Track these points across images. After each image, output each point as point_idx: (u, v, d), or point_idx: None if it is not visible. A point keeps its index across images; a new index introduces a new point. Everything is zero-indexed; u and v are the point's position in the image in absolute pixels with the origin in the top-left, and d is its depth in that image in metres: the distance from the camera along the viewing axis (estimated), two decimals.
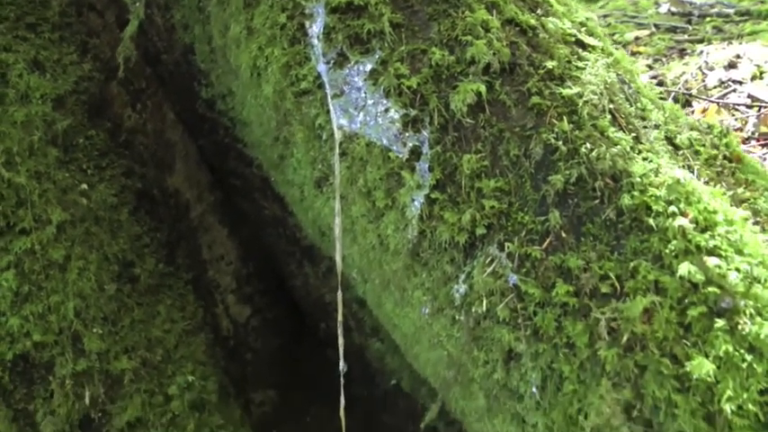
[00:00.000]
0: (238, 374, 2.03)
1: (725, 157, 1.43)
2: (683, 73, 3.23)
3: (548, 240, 1.16)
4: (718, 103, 2.91)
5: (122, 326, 1.61)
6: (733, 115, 2.89)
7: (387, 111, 1.29)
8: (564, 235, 1.15)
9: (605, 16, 4.79)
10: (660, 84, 3.09)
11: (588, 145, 1.19)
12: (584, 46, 1.43)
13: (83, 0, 1.69)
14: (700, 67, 3.26)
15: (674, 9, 4.76)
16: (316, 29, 1.36)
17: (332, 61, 1.34)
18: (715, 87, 3.11)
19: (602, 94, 1.29)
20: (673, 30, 4.22)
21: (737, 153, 1.45)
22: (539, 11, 1.43)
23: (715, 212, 1.12)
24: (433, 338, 1.34)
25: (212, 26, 1.55)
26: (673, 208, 1.11)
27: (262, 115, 1.52)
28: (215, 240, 1.97)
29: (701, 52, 3.46)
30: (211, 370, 1.75)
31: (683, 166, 1.35)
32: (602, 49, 1.47)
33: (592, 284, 1.11)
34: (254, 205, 1.91)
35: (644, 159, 1.20)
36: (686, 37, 4.02)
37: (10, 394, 1.50)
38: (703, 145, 1.43)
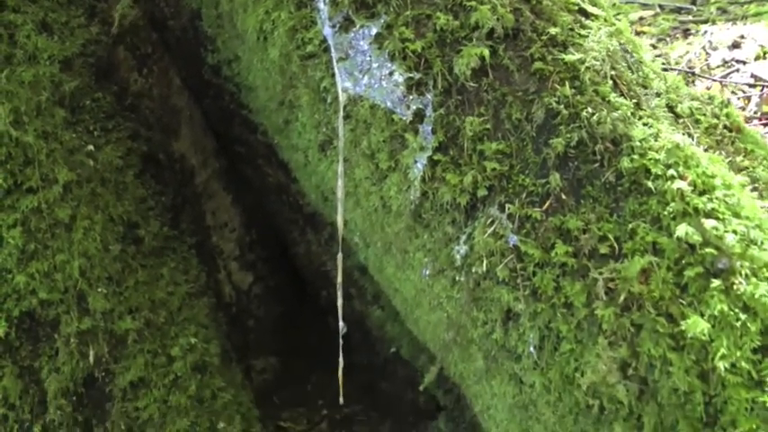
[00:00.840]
0: (240, 341, 2.05)
1: (725, 127, 1.44)
2: (687, 52, 3.23)
3: (548, 202, 1.18)
4: (721, 82, 2.91)
5: (126, 286, 1.62)
6: (735, 94, 2.90)
7: (391, 74, 1.30)
8: (564, 197, 1.17)
9: None
10: (663, 64, 3.09)
11: (589, 109, 1.21)
12: (587, 14, 1.44)
13: None
14: (703, 47, 3.26)
15: None
16: None
17: (338, 25, 1.36)
18: (718, 67, 3.12)
19: (603, 60, 1.30)
20: (677, 10, 4.21)
21: (737, 123, 1.47)
22: None
23: (713, 176, 1.14)
24: (433, 300, 1.36)
25: None
26: (672, 171, 1.12)
27: (267, 79, 1.53)
28: (219, 207, 1.99)
29: (705, 32, 3.46)
30: (214, 333, 1.77)
31: (684, 134, 1.36)
32: (605, 19, 1.48)
33: (591, 245, 1.13)
34: (258, 172, 1.93)
35: (644, 125, 1.22)
36: (691, 18, 4.01)
37: (16, 351, 1.52)
38: (704, 114, 1.44)
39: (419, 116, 1.28)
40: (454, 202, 1.24)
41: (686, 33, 3.60)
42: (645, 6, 4.35)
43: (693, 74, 2.90)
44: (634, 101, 1.27)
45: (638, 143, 1.16)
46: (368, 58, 1.32)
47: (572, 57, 1.27)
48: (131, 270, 1.64)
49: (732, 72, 3.02)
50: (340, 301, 1.46)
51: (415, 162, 1.27)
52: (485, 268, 1.20)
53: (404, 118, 1.29)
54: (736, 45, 3.23)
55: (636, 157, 1.15)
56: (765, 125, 2.72)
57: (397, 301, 1.60)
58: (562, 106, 1.22)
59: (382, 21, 1.33)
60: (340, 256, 1.45)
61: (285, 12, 1.41)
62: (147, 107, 1.76)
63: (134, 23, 1.73)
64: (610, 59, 1.32)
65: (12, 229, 1.51)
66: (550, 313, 1.15)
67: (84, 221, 1.56)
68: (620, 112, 1.21)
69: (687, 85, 3.00)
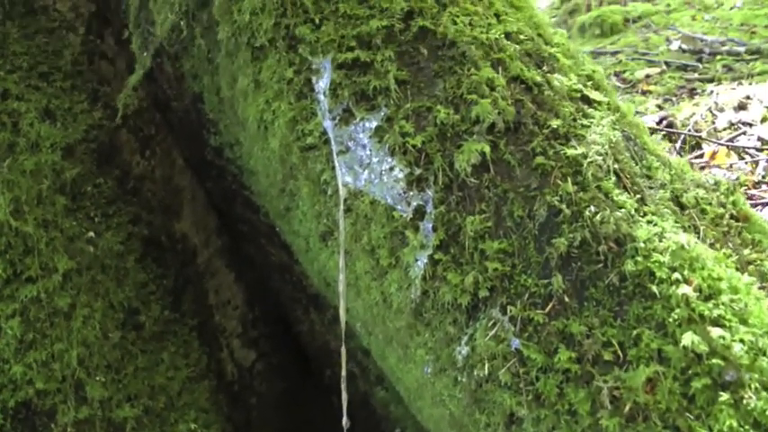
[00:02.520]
0: (242, 419, 2.02)
1: (732, 216, 1.42)
2: (693, 114, 3.23)
3: (550, 304, 1.16)
4: (727, 146, 2.90)
5: (125, 373, 1.60)
6: (743, 158, 2.88)
7: (391, 169, 1.29)
8: (567, 299, 1.15)
9: (616, 53, 4.81)
10: (670, 125, 3.08)
11: (592, 208, 1.19)
12: (589, 102, 1.43)
13: (94, 49, 1.71)
14: (710, 108, 3.26)
15: (684, 46, 4.76)
16: (322, 84, 1.37)
17: (338, 117, 1.35)
18: (725, 129, 3.11)
19: (606, 153, 1.28)
20: (683, 68, 4.23)
21: (745, 212, 1.44)
22: (545, 67, 1.43)
23: (719, 279, 1.11)
24: (435, 396, 1.33)
25: (221, 77, 1.56)
26: (676, 275, 1.10)
27: (268, 167, 1.52)
28: (222, 285, 1.98)
29: (711, 92, 3.46)
30: (214, 417, 1.74)
31: (689, 227, 1.34)
32: (608, 105, 1.47)
33: (594, 351, 1.10)
34: (261, 251, 1.92)
35: (648, 223, 1.20)
36: (696, 76, 4.02)
37: None
38: (710, 203, 1.42)
39: (420, 213, 1.27)
40: (455, 302, 1.22)
41: (692, 93, 3.60)
42: (651, 63, 4.37)
43: (701, 138, 2.89)
44: (638, 196, 1.26)
45: (641, 244, 1.14)
46: (368, 152, 1.32)
47: (574, 151, 1.26)
48: (131, 356, 1.62)
49: (739, 135, 3.01)
50: (344, 395, 1.43)
51: (416, 260, 1.25)
52: (486, 371, 1.18)
53: (404, 215, 1.27)
54: (742, 106, 3.23)
55: (640, 259, 1.13)
56: None
57: (401, 389, 1.57)
58: (564, 204, 1.20)
59: (382, 113, 1.32)
60: (343, 350, 1.42)
61: (285, 102, 1.41)
62: (149, 189, 1.76)
63: (137, 106, 1.74)
64: (613, 151, 1.30)
65: (10, 320, 1.49)
66: (554, 419, 1.12)
67: (83, 309, 1.55)
68: (623, 210, 1.19)
69: (694, 149, 2.99)
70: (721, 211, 1.42)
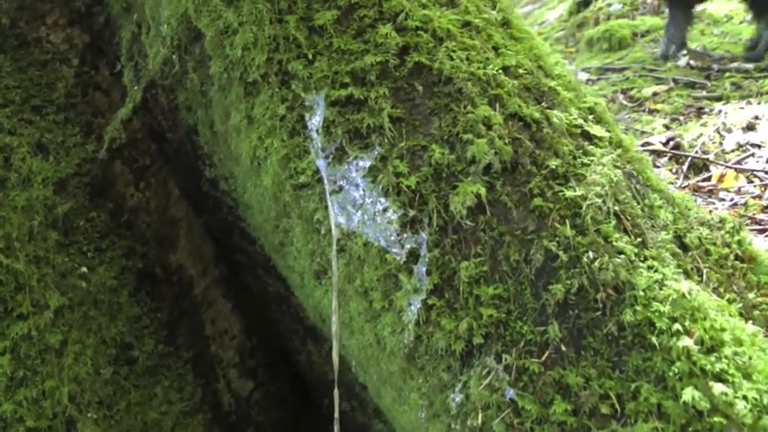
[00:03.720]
0: None
1: (737, 257, 1.39)
2: (701, 135, 3.19)
3: (546, 353, 1.12)
4: (735, 169, 2.86)
5: (118, 409, 1.58)
6: (751, 182, 2.84)
7: (385, 210, 1.26)
8: (563, 348, 1.11)
9: (623, 69, 4.76)
10: (677, 147, 3.04)
11: (591, 253, 1.15)
12: (590, 138, 1.39)
13: (89, 80, 1.69)
14: (717, 129, 3.22)
15: (693, 63, 4.72)
16: (315, 122, 1.35)
17: (331, 156, 1.32)
18: (733, 151, 3.06)
19: (606, 194, 1.25)
20: (691, 85, 4.18)
21: (750, 251, 1.41)
22: (544, 102, 1.40)
23: (722, 330, 1.08)
24: None
25: (214, 111, 1.54)
26: (677, 325, 1.07)
27: (262, 203, 1.50)
28: (219, 315, 1.95)
29: (719, 112, 3.42)
30: None
31: (692, 269, 1.31)
32: (610, 139, 1.44)
33: (591, 403, 1.07)
34: (259, 281, 1.89)
35: (649, 269, 1.16)
36: (705, 93, 3.97)
37: None
38: (714, 243, 1.39)
39: (414, 256, 1.24)
40: (449, 348, 1.18)
41: (700, 112, 3.55)
42: (659, 81, 4.33)
43: (708, 160, 2.85)
44: (639, 239, 1.22)
45: (641, 292, 1.11)
46: (361, 193, 1.29)
47: (573, 192, 1.23)
48: (124, 392, 1.59)
49: (747, 157, 2.97)
50: None
51: (410, 304, 1.22)
52: (480, 421, 1.14)
53: (398, 257, 1.24)
54: (750, 127, 3.18)
55: (639, 308, 1.09)
56: None
57: (397, 427, 1.54)
58: (562, 249, 1.17)
59: (376, 152, 1.29)
60: (336, 393, 1.39)
61: (278, 139, 1.38)
62: (143, 222, 1.73)
63: (132, 137, 1.71)
64: (613, 192, 1.27)
65: (1, 357, 1.47)
66: None
67: (75, 346, 1.52)
68: (623, 256, 1.16)
69: (701, 171, 2.95)
70: (726, 251, 1.39)
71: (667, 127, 3.41)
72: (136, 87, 1.57)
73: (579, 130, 1.39)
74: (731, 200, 2.74)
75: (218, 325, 1.95)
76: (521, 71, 1.41)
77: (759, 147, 3.05)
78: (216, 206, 1.79)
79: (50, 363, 1.50)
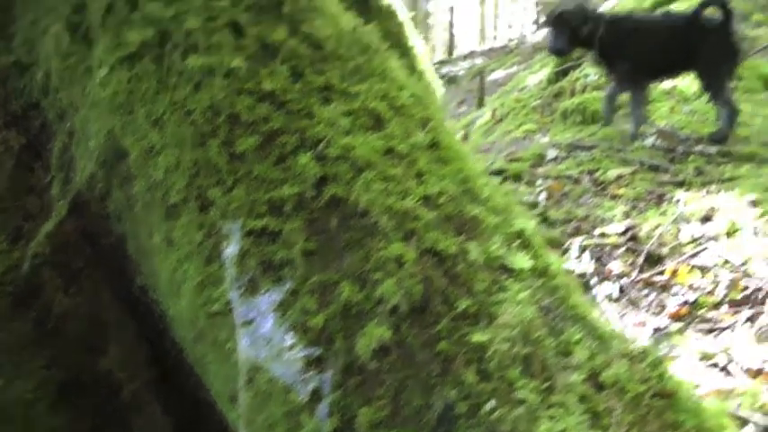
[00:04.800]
0: None
1: (655, 394, 1.37)
2: (659, 225, 3.21)
3: None
4: (688, 263, 2.87)
5: None
6: (704, 276, 2.85)
7: (291, 347, 1.25)
8: None
9: (592, 147, 4.81)
10: (634, 237, 3.06)
11: (492, 402, 1.14)
12: (509, 271, 1.39)
13: (22, 183, 1.69)
14: (675, 219, 3.24)
15: (659, 142, 4.78)
16: (230, 251, 1.34)
17: (244, 287, 1.32)
18: (689, 243, 3.08)
19: (516, 337, 1.24)
20: (656, 168, 4.22)
21: (670, 387, 1.39)
22: (464, 234, 1.40)
23: None
24: None
25: (139, 227, 1.54)
26: None
27: (181, 324, 1.49)
28: (149, 420, 1.91)
29: (679, 201, 3.45)
30: None
31: (605, 409, 1.29)
32: (534, 268, 1.44)
33: None
34: (190, 385, 1.86)
35: (551, 418, 1.15)
36: (668, 177, 4.02)
37: None
38: (631, 379, 1.38)
39: (317, 395, 1.22)
40: None
41: (661, 199, 3.58)
42: (625, 162, 4.37)
43: (660, 255, 2.87)
44: (547, 383, 1.21)
45: None
46: (270, 327, 1.28)
47: (480, 337, 1.22)
48: None
49: (702, 251, 2.99)
50: None
51: None
52: None
53: (301, 396, 1.23)
54: (707, 218, 3.21)
55: None
56: (735, 313, 2.65)
57: None
58: (463, 396, 1.15)
59: (287, 286, 1.29)
60: None
61: (194, 265, 1.38)
62: (71, 328, 1.71)
63: (64, 240, 1.70)
64: (525, 332, 1.26)
65: None
66: None
67: None
68: (525, 405, 1.15)
69: (656, 264, 2.96)
70: (644, 388, 1.37)
71: (627, 214, 3.43)
72: (62, 201, 1.57)
73: (498, 263, 1.38)
74: (683, 295, 2.75)
75: (147, 430, 1.92)
76: (442, 199, 1.42)
77: (714, 239, 3.07)
78: (147, 311, 1.77)
79: None
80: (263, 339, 1.28)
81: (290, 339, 1.25)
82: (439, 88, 2.80)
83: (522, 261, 1.43)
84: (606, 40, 5.39)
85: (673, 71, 5.60)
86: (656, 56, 5.37)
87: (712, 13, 5.30)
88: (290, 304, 1.27)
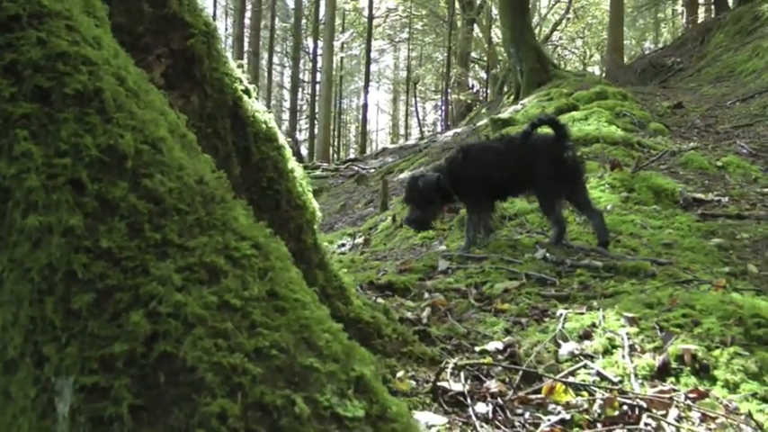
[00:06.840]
0: None
1: None
2: (538, 342, 3.33)
3: None
4: (564, 382, 2.98)
5: None
6: (580, 395, 2.96)
7: None
8: None
9: (483, 259, 5.00)
10: (513, 355, 3.17)
11: None
12: (340, 420, 1.45)
13: None
14: (554, 337, 3.38)
15: (548, 255, 5.00)
16: (62, 407, 1.38)
17: None
18: (567, 361, 3.21)
19: None
20: (543, 281, 4.41)
21: None
22: (293, 385, 1.44)
23: None
24: None
25: None
26: None
27: None
28: None
29: (560, 316, 3.60)
30: None
31: None
32: (368, 415, 1.50)
33: None
34: None
35: None
36: (553, 292, 4.19)
37: None
38: None
39: None
40: None
41: (543, 315, 3.73)
42: (512, 275, 4.54)
43: (537, 374, 2.98)
44: None
45: None
46: None
47: None
48: None
49: (579, 368, 3.11)
50: None
51: None
52: None
53: None
54: (586, 335, 3.35)
55: None
56: (609, 431, 2.75)
57: None
58: None
59: None
60: None
61: (29, 420, 1.41)
62: None
63: None
64: None
65: None
66: None
67: None
68: None
69: (534, 382, 3.06)
70: None
71: (508, 331, 3.56)
72: None
73: (329, 413, 1.44)
74: (558, 414, 2.85)
75: None
76: (274, 351, 1.48)
77: (592, 358, 3.20)
78: None
79: None
80: None
81: None
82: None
83: (354, 409, 1.50)
84: (459, 167, 5.79)
85: (515, 191, 6.03)
86: (497, 177, 5.79)
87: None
88: None
